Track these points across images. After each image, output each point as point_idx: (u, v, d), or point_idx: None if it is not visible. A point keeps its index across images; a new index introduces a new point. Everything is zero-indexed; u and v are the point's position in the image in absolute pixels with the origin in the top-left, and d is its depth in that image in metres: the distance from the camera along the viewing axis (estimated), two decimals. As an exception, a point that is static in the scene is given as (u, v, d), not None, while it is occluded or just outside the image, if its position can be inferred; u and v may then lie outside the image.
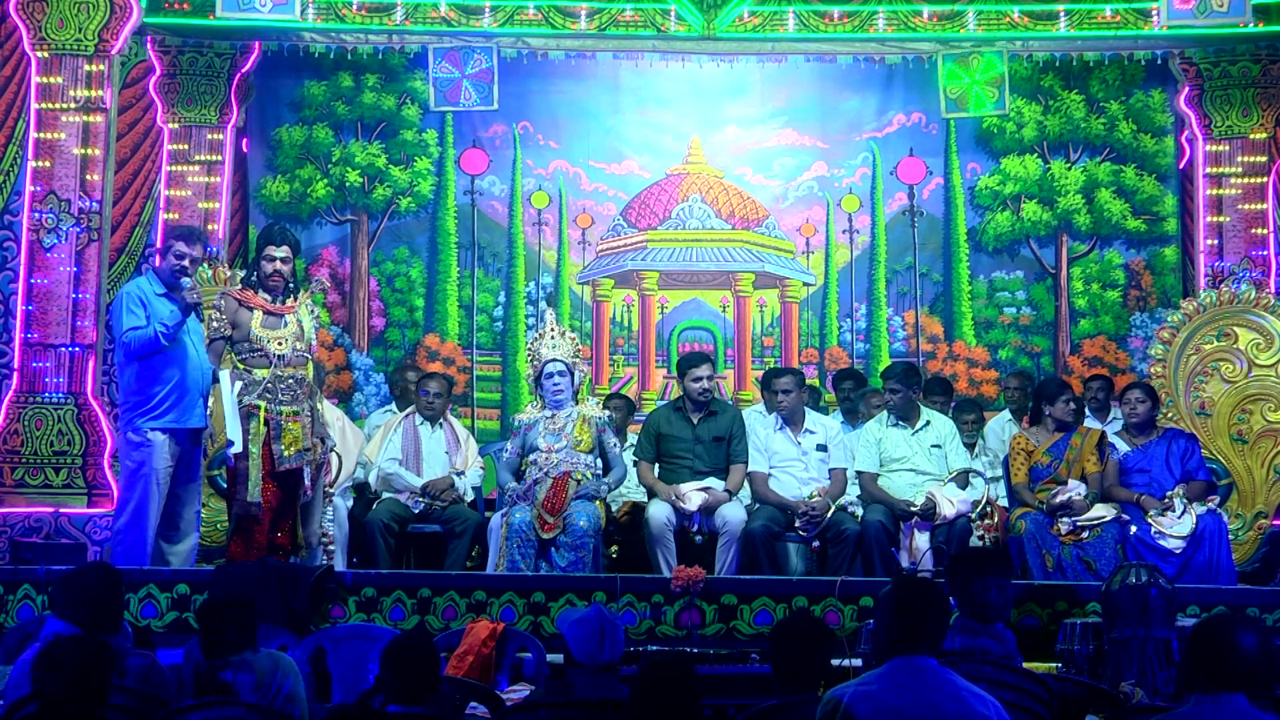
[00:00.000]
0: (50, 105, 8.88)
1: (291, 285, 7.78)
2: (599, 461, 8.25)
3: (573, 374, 8.26)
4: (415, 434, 8.95)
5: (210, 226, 10.14)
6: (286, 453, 7.58)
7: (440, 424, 9.03)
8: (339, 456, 8.48)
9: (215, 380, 7.59)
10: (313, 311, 7.93)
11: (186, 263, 7.48)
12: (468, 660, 6.63)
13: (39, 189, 8.84)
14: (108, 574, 5.57)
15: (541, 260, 11.43)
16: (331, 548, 8.23)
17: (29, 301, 8.80)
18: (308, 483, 7.73)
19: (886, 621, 4.20)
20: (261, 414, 7.52)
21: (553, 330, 8.30)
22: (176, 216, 10.11)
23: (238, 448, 7.47)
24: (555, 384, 8.18)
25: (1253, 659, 3.80)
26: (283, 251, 7.67)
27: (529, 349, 8.46)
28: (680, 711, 4.41)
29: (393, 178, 11.38)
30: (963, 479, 8.43)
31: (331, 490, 8.41)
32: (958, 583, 5.74)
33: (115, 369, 7.61)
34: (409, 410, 9.14)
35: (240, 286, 7.82)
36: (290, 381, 7.65)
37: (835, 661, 5.62)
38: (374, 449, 8.97)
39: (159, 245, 7.66)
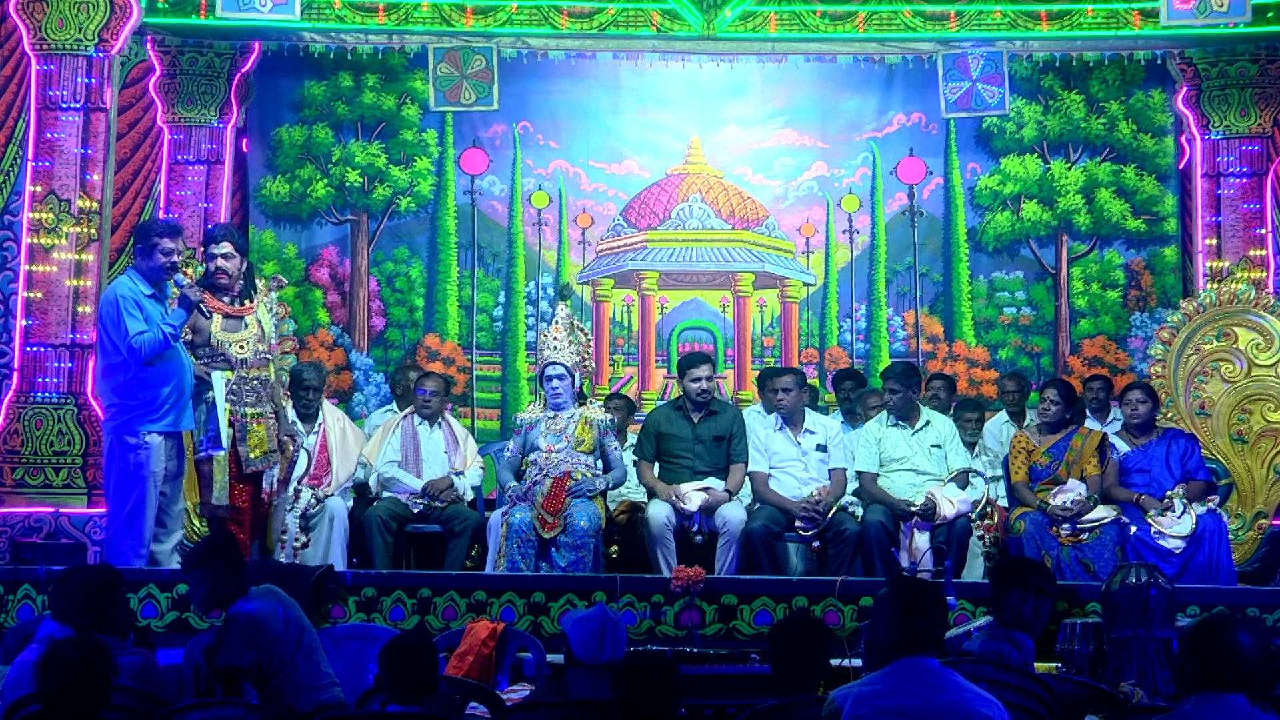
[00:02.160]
0: (50, 105, 8.87)
1: (244, 284, 7.78)
2: (600, 463, 8.25)
3: (573, 376, 8.24)
4: (414, 434, 8.96)
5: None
6: (253, 455, 7.61)
7: (439, 424, 9.05)
8: (308, 454, 8.45)
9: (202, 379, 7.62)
10: (272, 310, 7.93)
11: (176, 258, 7.48)
12: (468, 660, 6.64)
13: (39, 189, 8.83)
14: (104, 575, 5.56)
15: (541, 260, 11.43)
16: (294, 543, 8.18)
17: (29, 302, 8.79)
18: (277, 485, 7.76)
19: (886, 623, 4.20)
20: (225, 416, 7.55)
21: (558, 329, 8.27)
22: (176, 217, 10.11)
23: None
24: (554, 387, 8.18)
25: (1252, 659, 3.81)
26: (223, 248, 7.63)
27: (539, 344, 8.42)
28: (658, 709, 4.40)
29: (393, 178, 11.37)
30: (963, 479, 8.44)
31: (300, 486, 8.40)
32: (998, 587, 5.75)
33: (104, 371, 7.55)
34: (408, 411, 9.15)
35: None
36: (254, 383, 7.69)
37: (835, 661, 5.63)
38: (373, 450, 8.97)
39: (140, 243, 7.54)
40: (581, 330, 8.41)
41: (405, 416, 9.08)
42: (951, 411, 9.29)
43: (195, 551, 6.07)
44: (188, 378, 7.52)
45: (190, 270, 7.84)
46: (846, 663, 5.87)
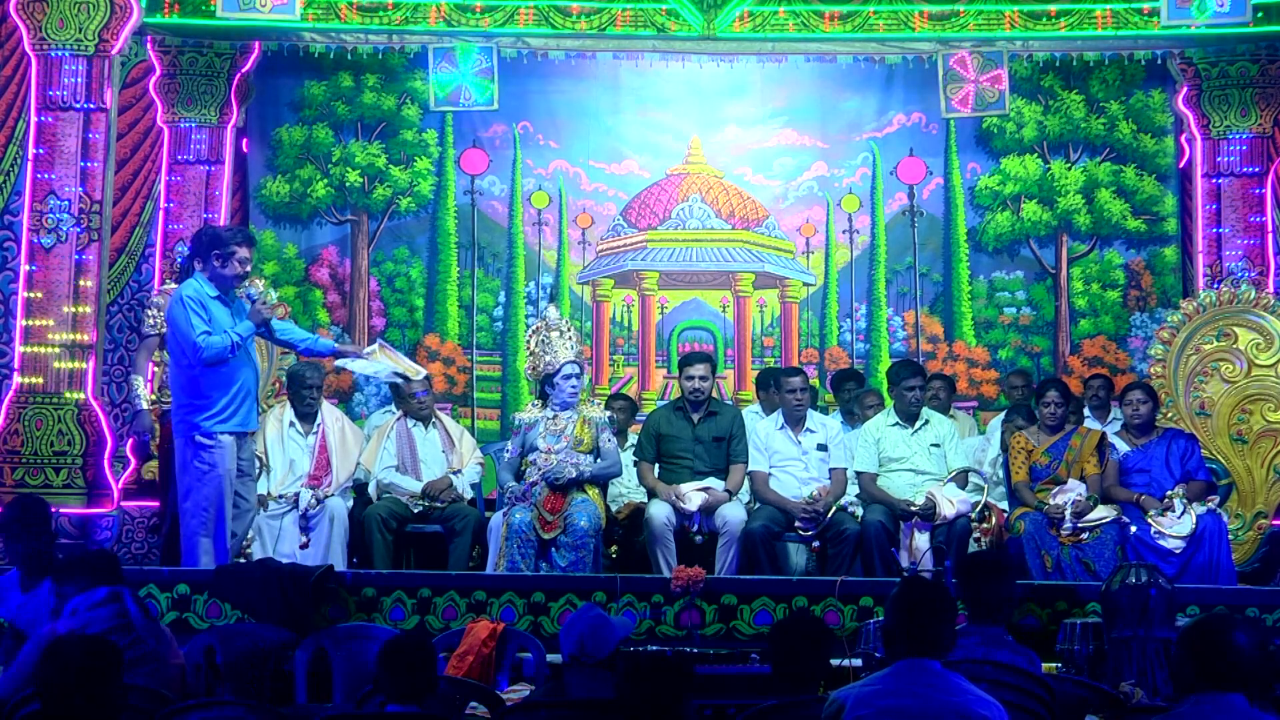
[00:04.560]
0: (50, 105, 8.86)
1: None
2: (599, 462, 8.25)
3: (583, 372, 8.29)
4: (410, 437, 8.93)
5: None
6: None
7: (433, 424, 9.02)
8: (262, 458, 8.46)
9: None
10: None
11: (249, 267, 7.66)
12: (468, 660, 6.64)
13: (39, 189, 8.83)
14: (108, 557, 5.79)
15: (541, 260, 11.43)
16: (249, 550, 8.20)
17: (29, 302, 8.78)
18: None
19: (892, 623, 4.20)
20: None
21: (563, 330, 8.27)
22: (176, 217, 10.14)
23: None
24: (574, 385, 8.17)
25: (1250, 658, 3.81)
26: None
27: (535, 348, 8.32)
28: (663, 710, 4.39)
29: (393, 178, 11.37)
30: (962, 479, 8.45)
31: (299, 487, 8.46)
32: (985, 584, 5.61)
33: (176, 372, 7.57)
34: (399, 414, 9.11)
35: (174, 286, 8.13)
36: None
37: (835, 661, 5.62)
38: (369, 457, 8.89)
39: (216, 249, 7.56)
40: (575, 335, 8.40)
41: (399, 419, 9.05)
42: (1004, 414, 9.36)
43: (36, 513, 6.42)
44: (254, 381, 7.68)
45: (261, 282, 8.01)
46: (846, 663, 5.87)
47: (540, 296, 11.32)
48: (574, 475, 8.00)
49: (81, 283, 8.77)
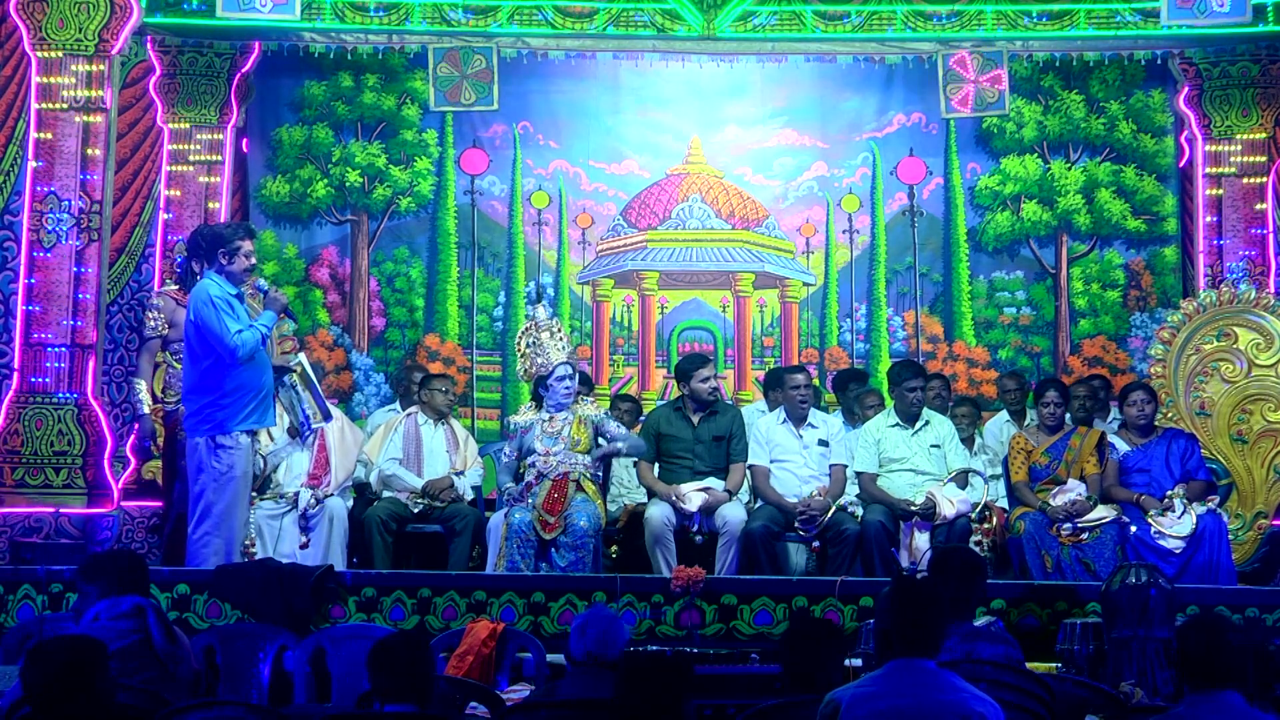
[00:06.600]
0: (50, 105, 8.85)
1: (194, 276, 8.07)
2: (626, 438, 8.27)
3: (576, 373, 8.29)
4: (417, 434, 8.96)
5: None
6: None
7: (442, 423, 9.05)
8: (263, 459, 8.47)
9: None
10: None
11: (255, 259, 7.74)
12: (468, 660, 6.65)
13: (39, 189, 8.82)
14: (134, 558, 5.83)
15: (541, 260, 11.43)
16: (253, 550, 8.22)
17: (29, 301, 8.77)
18: None
19: (885, 623, 4.20)
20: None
21: (553, 330, 8.26)
22: (176, 216, 10.14)
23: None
24: (568, 386, 8.17)
25: (1241, 655, 3.81)
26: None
27: (527, 350, 8.32)
28: (663, 709, 4.38)
29: (393, 178, 11.37)
30: (962, 479, 8.45)
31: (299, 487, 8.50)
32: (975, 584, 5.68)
33: (200, 375, 7.55)
34: (410, 410, 9.14)
35: (175, 287, 8.30)
36: None
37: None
38: (374, 448, 8.95)
39: (221, 247, 7.62)
40: (562, 335, 8.39)
41: (408, 415, 9.08)
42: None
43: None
44: (270, 377, 7.73)
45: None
46: (847, 663, 5.86)
47: (537, 296, 11.31)
48: (622, 450, 8.18)
49: (81, 283, 8.77)
